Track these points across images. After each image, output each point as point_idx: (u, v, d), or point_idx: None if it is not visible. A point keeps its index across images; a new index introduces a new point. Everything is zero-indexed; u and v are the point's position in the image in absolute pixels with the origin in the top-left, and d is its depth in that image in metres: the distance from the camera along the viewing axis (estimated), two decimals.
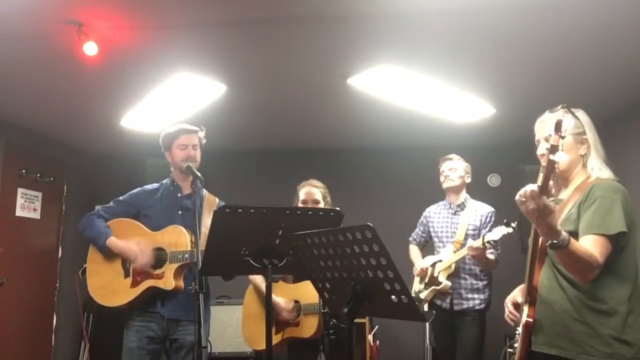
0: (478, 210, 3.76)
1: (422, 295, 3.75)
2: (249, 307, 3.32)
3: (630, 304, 1.93)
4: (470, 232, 3.71)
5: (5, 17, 2.99)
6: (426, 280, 3.76)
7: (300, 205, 3.31)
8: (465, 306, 3.64)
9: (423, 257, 3.95)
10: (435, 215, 3.93)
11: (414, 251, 4.06)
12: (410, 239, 4.11)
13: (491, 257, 3.59)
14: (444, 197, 3.95)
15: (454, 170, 3.79)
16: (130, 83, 3.98)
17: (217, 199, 3.14)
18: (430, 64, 3.67)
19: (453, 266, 3.67)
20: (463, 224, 3.74)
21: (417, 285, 3.86)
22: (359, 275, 1.77)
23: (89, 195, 5.80)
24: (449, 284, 3.66)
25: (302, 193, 3.34)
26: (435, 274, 3.71)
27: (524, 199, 1.79)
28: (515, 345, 2.12)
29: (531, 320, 2.03)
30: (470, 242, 3.50)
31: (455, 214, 3.82)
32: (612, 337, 1.90)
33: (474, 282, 3.67)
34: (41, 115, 4.84)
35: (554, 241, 1.80)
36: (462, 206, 3.81)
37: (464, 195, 3.84)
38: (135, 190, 3.19)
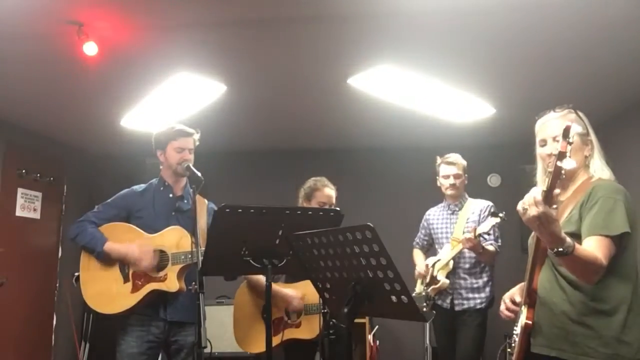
0: (476, 206, 3.76)
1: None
2: (243, 308, 3.21)
3: (630, 304, 1.93)
4: (470, 227, 3.70)
5: (6, 17, 2.99)
6: (427, 280, 3.76)
7: (315, 206, 3.27)
8: (466, 306, 3.64)
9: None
10: (435, 217, 3.93)
11: (418, 255, 4.05)
12: (414, 243, 4.10)
13: (490, 248, 3.59)
14: (443, 197, 3.95)
15: (459, 177, 3.76)
16: (130, 83, 3.98)
17: (206, 200, 3.05)
18: (430, 64, 3.67)
19: (451, 264, 3.66)
20: (461, 221, 3.74)
21: (418, 287, 3.86)
22: (359, 275, 1.77)
23: (89, 195, 5.79)
24: (447, 281, 3.65)
25: (321, 195, 3.30)
26: (435, 273, 3.71)
27: (526, 207, 1.75)
28: (513, 345, 2.11)
29: (530, 322, 2.01)
30: (465, 235, 3.50)
31: (453, 213, 3.82)
32: (612, 337, 1.89)
33: (474, 281, 3.66)
34: (41, 115, 4.84)
35: (559, 249, 1.77)
36: (459, 205, 3.81)
37: (462, 195, 3.84)
38: (123, 192, 3.08)
